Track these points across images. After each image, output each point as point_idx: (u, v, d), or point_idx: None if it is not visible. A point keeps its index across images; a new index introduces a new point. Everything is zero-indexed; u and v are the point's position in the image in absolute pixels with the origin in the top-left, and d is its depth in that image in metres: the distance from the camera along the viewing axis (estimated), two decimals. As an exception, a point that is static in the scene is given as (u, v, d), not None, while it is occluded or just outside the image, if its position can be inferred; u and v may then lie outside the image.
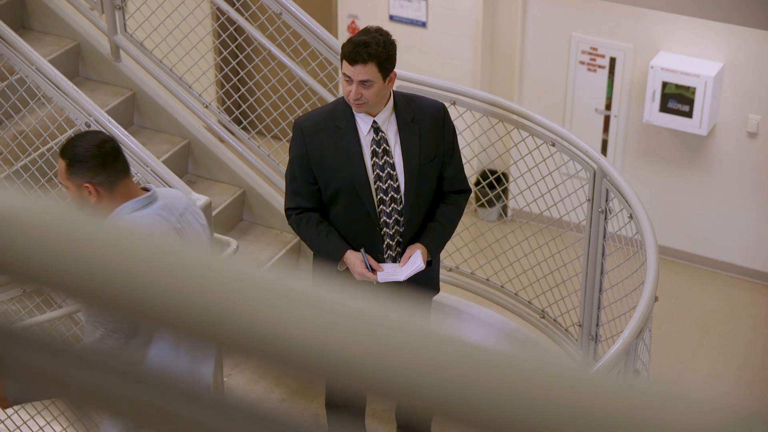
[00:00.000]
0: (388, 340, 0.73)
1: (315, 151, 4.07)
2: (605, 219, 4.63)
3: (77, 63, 5.80)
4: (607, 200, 4.61)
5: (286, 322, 0.73)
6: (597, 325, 4.80)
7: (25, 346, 0.73)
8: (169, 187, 4.34)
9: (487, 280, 5.27)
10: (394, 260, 4.16)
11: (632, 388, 0.72)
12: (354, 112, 4.04)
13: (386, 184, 4.09)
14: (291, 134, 5.45)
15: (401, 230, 4.13)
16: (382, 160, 4.07)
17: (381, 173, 4.08)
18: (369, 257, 4.06)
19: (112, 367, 0.77)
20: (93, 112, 4.43)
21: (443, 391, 0.71)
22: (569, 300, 5.03)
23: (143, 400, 0.76)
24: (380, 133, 4.07)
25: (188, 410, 0.75)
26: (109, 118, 4.45)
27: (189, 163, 5.76)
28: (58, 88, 4.45)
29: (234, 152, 5.71)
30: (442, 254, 5.33)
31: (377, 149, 4.07)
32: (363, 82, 3.93)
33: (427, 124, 4.12)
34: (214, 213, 4.94)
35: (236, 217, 5.70)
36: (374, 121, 4.05)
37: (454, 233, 4.40)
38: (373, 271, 4.06)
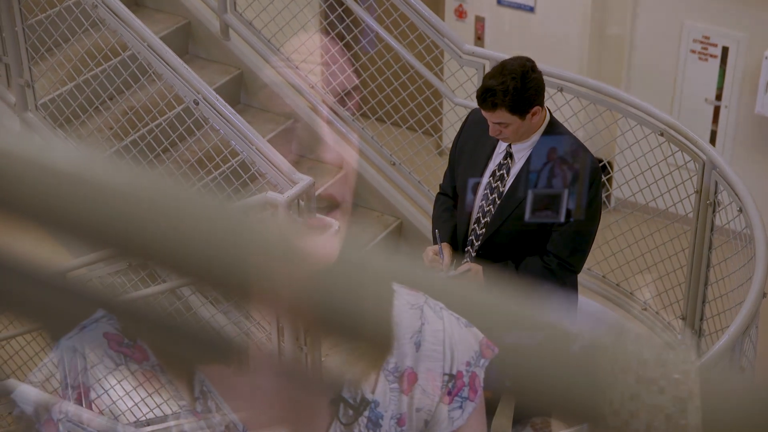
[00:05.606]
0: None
1: (462, 142, 4.10)
2: (713, 211, 4.53)
3: (187, 41, 5.88)
4: (716, 192, 4.51)
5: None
6: (701, 319, 4.70)
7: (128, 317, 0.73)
8: (273, 165, 4.37)
9: (589, 270, 5.19)
10: None
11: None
12: None
13: (488, 207, 4.02)
14: (395, 117, 5.45)
15: (474, 256, 4.06)
16: (495, 184, 4.01)
17: (489, 195, 4.01)
18: (443, 249, 4.04)
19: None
20: (202, 89, 4.48)
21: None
22: (672, 293, 4.93)
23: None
24: (508, 159, 3.99)
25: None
26: (217, 96, 4.50)
27: (294, 143, 5.80)
28: (169, 66, 4.51)
29: (338, 133, 5.73)
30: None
31: (497, 172, 4.00)
32: (498, 123, 3.86)
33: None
34: (317, 193, 4.96)
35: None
36: (509, 145, 3.97)
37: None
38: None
